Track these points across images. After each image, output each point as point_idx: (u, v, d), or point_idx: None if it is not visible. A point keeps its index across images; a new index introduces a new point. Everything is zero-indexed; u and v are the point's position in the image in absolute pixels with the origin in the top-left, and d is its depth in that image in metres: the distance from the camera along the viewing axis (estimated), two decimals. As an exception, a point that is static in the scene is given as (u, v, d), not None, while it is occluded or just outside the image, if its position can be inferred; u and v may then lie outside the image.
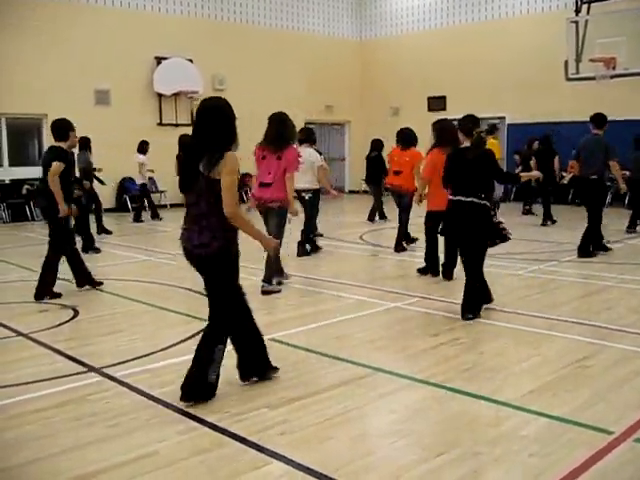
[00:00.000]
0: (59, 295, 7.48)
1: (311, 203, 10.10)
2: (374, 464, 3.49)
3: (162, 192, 17.81)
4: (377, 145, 14.08)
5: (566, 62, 16.23)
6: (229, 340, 4.52)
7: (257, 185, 7.62)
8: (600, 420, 3.98)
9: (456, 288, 7.68)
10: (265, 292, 7.47)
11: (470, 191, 6.32)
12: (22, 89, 15.82)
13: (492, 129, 12.98)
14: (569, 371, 4.89)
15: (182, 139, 11.77)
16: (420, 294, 7.31)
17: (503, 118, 19.66)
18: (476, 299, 6.38)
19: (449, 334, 5.85)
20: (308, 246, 10.09)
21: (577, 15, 16.61)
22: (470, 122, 6.57)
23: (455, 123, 6.92)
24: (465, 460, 3.51)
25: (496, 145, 12.76)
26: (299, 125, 21.09)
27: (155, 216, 15.64)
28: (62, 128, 7.61)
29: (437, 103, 20.86)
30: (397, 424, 4.06)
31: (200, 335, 4.56)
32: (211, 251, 4.27)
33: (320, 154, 10.52)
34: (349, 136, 23.45)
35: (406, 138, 10.04)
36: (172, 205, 17.30)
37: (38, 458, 3.62)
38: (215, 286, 4.45)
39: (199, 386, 4.32)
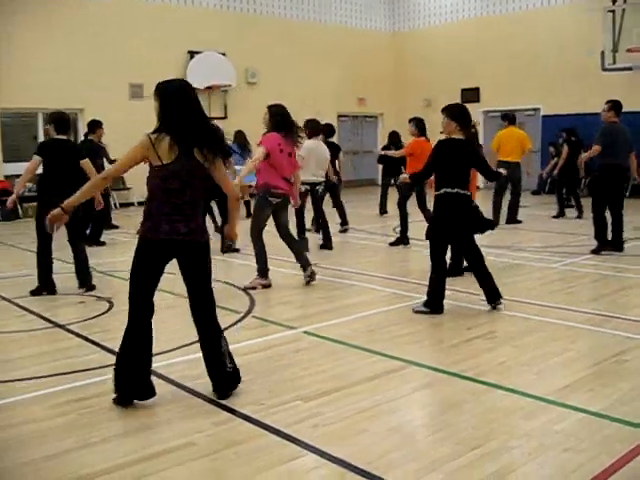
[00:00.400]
0: (94, 287, 7.59)
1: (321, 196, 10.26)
2: (407, 457, 3.50)
3: None
4: (393, 138, 13.99)
5: (602, 52, 16.01)
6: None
7: (281, 179, 7.43)
8: (638, 416, 3.94)
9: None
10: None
11: (455, 183, 6.28)
12: (58, 85, 16.03)
13: (513, 119, 12.76)
14: (605, 366, 4.84)
15: None
16: (452, 287, 7.28)
17: (538, 109, 19.47)
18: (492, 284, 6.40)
19: (483, 327, 5.83)
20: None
21: (614, 4, 16.36)
22: (468, 114, 6.49)
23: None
24: (499, 454, 3.50)
25: (526, 135, 12.58)
26: (333, 118, 21.22)
27: None
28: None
29: (471, 95, 20.69)
30: (430, 417, 4.07)
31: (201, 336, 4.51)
32: (205, 238, 4.33)
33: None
34: (382, 128, 23.37)
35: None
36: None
37: (79, 446, 3.69)
38: (204, 274, 4.42)
39: (224, 379, 4.36)
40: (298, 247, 7.75)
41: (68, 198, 4.24)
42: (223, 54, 18.88)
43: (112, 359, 5.08)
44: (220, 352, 4.36)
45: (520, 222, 12.52)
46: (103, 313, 6.64)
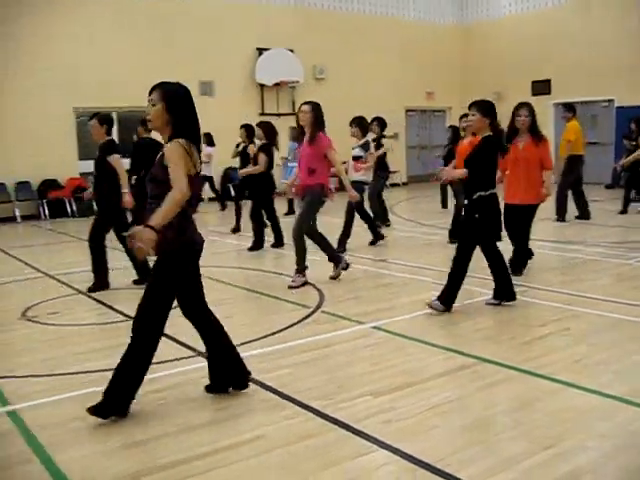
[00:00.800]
0: None
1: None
2: (479, 455, 3.45)
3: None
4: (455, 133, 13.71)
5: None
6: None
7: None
8: None
9: (559, 280, 7.50)
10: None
11: (494, 183, 6.12)
12: (130, 83, 16.38)
13: (575, 109, 12.32)
14: (686, 365, 4.68)
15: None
16: (524, 283, 7.15)
17: (612, 101, 18.93)
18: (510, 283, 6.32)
19: (557, 324, 5.70)
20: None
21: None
22: (495, 110, 6.18)
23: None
24: (574, 454, 3.42)
25: (578, 127, 12.14)
26: (399, 112, 21.07)
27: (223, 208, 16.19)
28: None
29: (541, 87, 20.26)
30: (503, 415, 4.01)
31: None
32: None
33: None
34: (450, 123, 23.07)
35: None
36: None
37: (154, 437, 3.78)
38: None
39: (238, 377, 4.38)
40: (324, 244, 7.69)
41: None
42: (291, 51, 18.98)
43: (183, 352, 5.22)
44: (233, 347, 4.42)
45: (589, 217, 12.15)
46: (175, 307, 6.74)
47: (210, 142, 15.69)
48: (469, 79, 22.52)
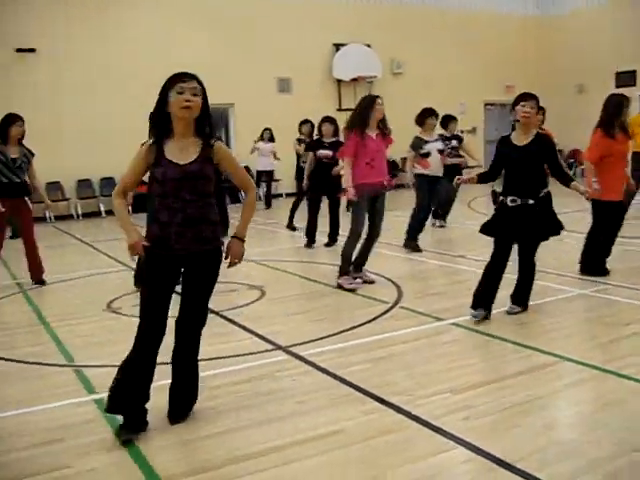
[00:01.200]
0: None
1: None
2: (561, 456, 3.38)
3: (278, 181, 18.07)
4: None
5: None
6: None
7: None
8: None
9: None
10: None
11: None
12: (210, 81, 16.62)
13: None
14: None
15: None
16: (610, 281, 6.95)
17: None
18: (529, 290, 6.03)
19: (642, 324, 5.53)
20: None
21: None
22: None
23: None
24: (663, 458, 3.32)
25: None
26: (478, 106, 20.73)
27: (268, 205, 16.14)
28: None
29: (627, 78, 19.59)
30: (586, 416, 3.91)
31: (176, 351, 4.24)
32: (219, 244, 4.01)
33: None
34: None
35: None
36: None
37: (232, 429, 3.85)
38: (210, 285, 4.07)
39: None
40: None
41: None
42: (368, 46, 18.94)
43: (265, 346, 5.29)
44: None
45: None
46: (255, 300, 6.88)
47: (271, 138, 15.73)
48: (549, 71, 21.97)
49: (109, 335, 5.96)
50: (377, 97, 7.15)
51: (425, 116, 9.57)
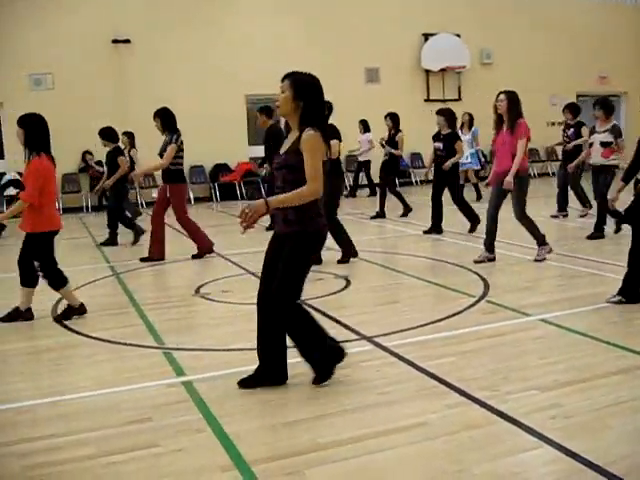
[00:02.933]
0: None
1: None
2: (655, 461, 3.27)
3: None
4: None
5: None
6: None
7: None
8: None
9: None
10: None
11: None
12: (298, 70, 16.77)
13: None
14: None
15: None
16: None
17: None
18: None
19: None
20: None
21: None
22: None
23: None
24: None
25: None
26: (570, 98, 20.15)
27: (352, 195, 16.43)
28: None
29: None
30: (683, 420, 3.76)
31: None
32: (301, 228, 4.18)
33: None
34: (626, 108, 21.79)
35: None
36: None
37: (315, 417, 3.89)
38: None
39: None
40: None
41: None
42: (458, 35, 18.67)
43: (350, 335, 5.32)
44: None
45: None
46: (340, 290, 6.91)
47: (366, 128, 15.78)
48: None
49: (199, 320, 6.11)
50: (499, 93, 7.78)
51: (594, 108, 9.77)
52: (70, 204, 15.65)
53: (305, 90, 4.13)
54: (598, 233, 9.30)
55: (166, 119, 8.79)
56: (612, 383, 4.22)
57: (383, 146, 12.18)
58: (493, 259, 7.91)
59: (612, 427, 3.62)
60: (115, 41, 15.68)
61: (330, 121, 7.58)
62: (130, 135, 12.76)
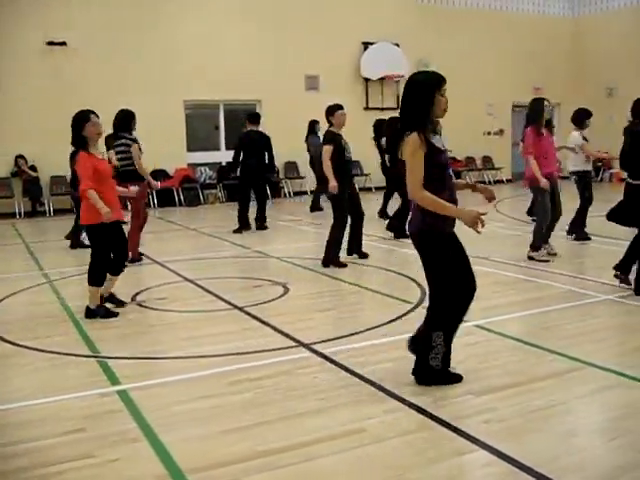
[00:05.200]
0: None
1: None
2: (584, 463, 3.35)
3: (366, 175, 18.12)
4: None
5: None
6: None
7: None
8: None
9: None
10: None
11: None
12: (238, 77, 16.74)
13: None
14: None
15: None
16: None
17: None
18: None
19: (670, 331, 5.46)
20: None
21: None
22: None
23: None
24: (688, 468, 3.28)
25: None
26: (506, 108, 20.54)
27: None
28: None
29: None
30: (610, 423, 3.87)
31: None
32: (416, 229, 4.25)
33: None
34: (559, 119, 22.35)
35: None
36: (377, 188, 17.48)
37: (255, 424, 3.86)
38: (427, 266, 4.29)
39: (421, 370, 4.35)
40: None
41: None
42: (397, 45, 18.89)
43: (287, 342, 5.30)
44: (427, 344, 4.31)
45: None
46: (279, 297, 6.89)
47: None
48: (580, 74, 21.78)
49: (134, 328, 6.01)
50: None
51: (584, 117, 9.95)
52: (1, 210, 15.22)
53: (409, 91, 4.25)
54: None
55: None
56: (544, 387, 4.32)
57: None
58: None
59: (544, 430, 3.70)
60: (50, 43, 15.34)
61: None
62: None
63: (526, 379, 4.46)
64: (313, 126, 14.73)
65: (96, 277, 6.24)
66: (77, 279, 8.02)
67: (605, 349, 5.13)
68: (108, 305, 6.44)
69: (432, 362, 4.29)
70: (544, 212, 8.34)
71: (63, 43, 15.39)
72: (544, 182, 8.01)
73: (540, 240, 8.36)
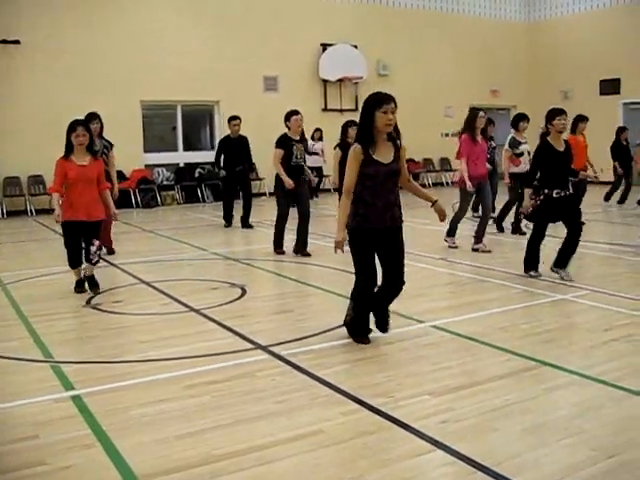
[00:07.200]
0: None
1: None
2: (540, 461, 3.38)
3: (327, 176, 18.12)
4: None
5: None
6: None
7: None
8: None
9: (628, 283, 7.31)
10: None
11: None
12: (195, 78, 16.62)
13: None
14: None
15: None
16: (590, 287, 6.99)
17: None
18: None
19: (622, 330, 5.55)
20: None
21: None
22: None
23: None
24: (639, 466, 3.33)
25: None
26: (464, 110, 20.81)
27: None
28: None
29: (610, 86, 19.77)
30: (564, 421, 3.92)
31: None
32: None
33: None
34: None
35: None
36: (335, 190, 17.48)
37: (211, 427, 3.82)
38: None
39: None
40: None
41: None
42: (355, 47, 18.95)
43: (245, 345, 5.27)
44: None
45: None
46: (236, 299, 6.85)
47: (320, 138, 17.14)
48: (535, 77, 22.14)
49: (88, 332, 5.92)
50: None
51: (519, 120, 10.64)
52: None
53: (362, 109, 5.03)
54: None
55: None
56: (500, 386, 4.36)
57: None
58: None
59: (500, 429, 3.74)
60: (4, 42, 15.06)
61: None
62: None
63: (482, 379, 4.50)
64: None
65: (69, 262, 7.19)
66: (30, 282, 7.87)
67: (559, 348, 5.20)
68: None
69: (346, 318, 5.37)
70: (462, 210, 9.45)
71: (17, 41, 15.11)
72: (469, 185, 8.93)
73: (454, 229, 9.50)
